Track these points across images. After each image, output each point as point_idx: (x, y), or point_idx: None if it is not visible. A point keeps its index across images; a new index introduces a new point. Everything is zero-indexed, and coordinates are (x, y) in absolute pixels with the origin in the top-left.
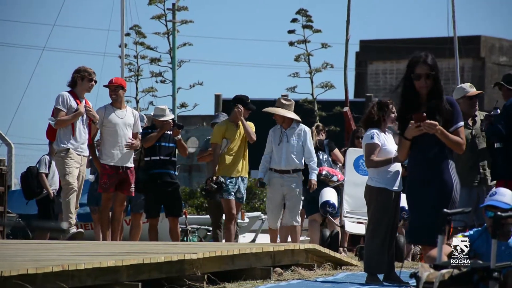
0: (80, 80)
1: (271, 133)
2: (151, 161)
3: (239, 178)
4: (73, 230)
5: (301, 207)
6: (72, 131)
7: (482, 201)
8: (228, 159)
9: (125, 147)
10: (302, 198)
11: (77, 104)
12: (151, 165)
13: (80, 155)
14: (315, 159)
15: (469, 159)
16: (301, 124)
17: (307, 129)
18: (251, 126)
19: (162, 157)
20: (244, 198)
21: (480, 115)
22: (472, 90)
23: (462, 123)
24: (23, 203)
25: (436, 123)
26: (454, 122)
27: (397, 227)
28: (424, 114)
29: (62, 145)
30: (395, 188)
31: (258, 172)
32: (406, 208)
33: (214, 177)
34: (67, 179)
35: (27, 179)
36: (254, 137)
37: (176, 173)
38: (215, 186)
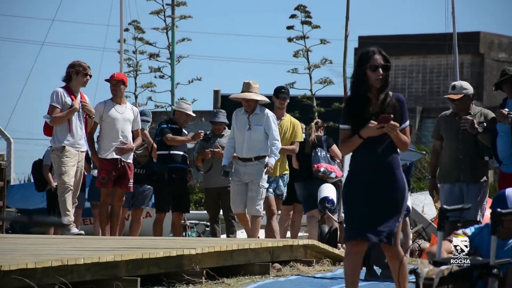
0: (75, 75)
1: (234, 118)
2: (170, 155)
3: (276, 177)
4: (74, 230)
5: (263, 196)
6: (69, 127)
7: (467, 197)
8: None
9: (116, 149)
10: (266, 186)
11: (72, 100)
12: (170, 159)
13: (78, 150)
14: (279, 145)
15: (453, 155)
16: (265, 109)
17: (271, 113)
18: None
19: (181, 153)
20: (284, 194)
21: (473, 110)
22: (451, 94)
23: (408, 122)
24: (21, 198)
25: (398, 124)
26: (403, 121)
27: None
28: (392, 115)
29: (59, 143)
30: None
31: (223, 159)
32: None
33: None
34: (63, 178)
35: (37, 171)
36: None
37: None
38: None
